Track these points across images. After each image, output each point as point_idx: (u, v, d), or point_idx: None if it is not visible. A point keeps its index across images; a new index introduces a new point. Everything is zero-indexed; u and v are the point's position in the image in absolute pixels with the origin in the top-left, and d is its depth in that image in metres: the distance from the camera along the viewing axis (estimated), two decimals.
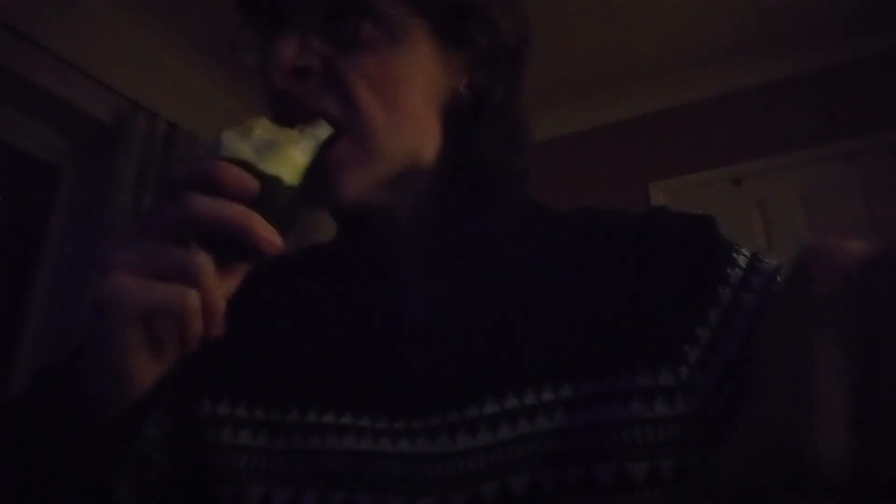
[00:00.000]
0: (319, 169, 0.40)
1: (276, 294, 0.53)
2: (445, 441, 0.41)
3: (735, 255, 0.44)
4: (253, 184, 0.35)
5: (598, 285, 0.45)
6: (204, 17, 2.41)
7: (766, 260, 0.45)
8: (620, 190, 2.76)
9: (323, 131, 0.41)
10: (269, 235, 0.34)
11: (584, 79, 2.78)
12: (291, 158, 0.38)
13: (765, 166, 2.55)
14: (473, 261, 0.47)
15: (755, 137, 2.57)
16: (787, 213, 2.50)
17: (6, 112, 2.13)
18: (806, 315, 0.20)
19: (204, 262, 0.33)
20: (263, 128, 0.38)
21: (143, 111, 2.29)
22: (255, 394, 0.46)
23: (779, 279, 0.42)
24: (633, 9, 2.38)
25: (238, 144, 0.36)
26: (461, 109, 0.48)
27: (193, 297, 0.32)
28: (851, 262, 0.20)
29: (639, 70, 2.73)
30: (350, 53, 0.42)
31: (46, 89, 2.08)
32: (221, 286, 0.35)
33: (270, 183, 0.36)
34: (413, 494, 0.40)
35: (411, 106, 0.44)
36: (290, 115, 0.41)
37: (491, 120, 0.48)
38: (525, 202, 0.52)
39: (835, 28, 2.47)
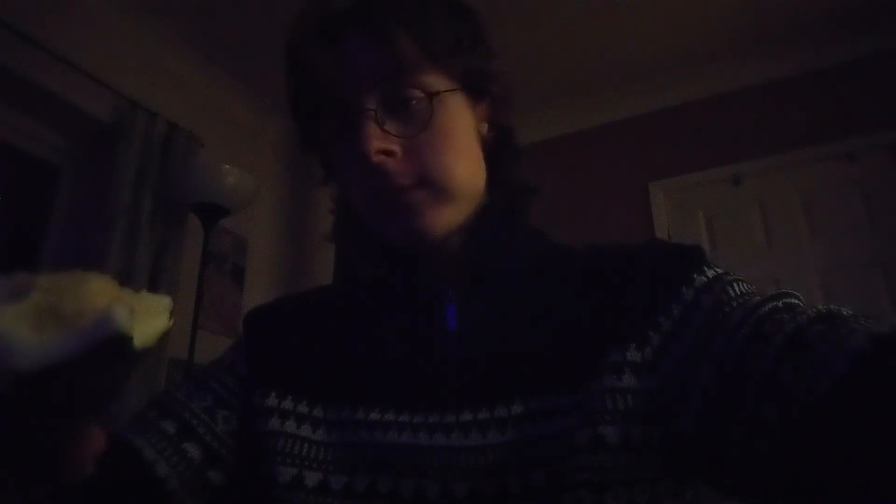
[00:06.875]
0: (402, 211, 0.50)
1: (332, 312, 0.61)
2: (476, 436, 0.47)
3: (706, 267, 0.50)
4: None
5: (591, 302, 0.51)
6: (204, 18, 2.41)
7: (735, 276, 0.49)
8: (620, 190, 2.76)
9: None
10: None
11: (585, 79, 2.78)
12: None
13: (765, 166, 2.56)
14: (498, 285, 0.55)
15: (755, 137, 2.57)
16: (786, 212, 2.50)
17: (6, 112, 2.13)
18: None
19: None
20: None
21: (142, 111, 2.29)
22: (314, 395, 0.54)
23: (738, 286, 0.47)
24: (632, 9, 2.38)
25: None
26: (486, 147, 0.59)
27: None
28: None
29: (639, 70, 2.73)
30: (416, 131, 0.52)
31: (46, 89, 2.08)
32: None
33: None
34: (448, 481, 0.46)
35: (467, 151, 0.55)
36: (384, 183, 0.50)
37: (510, 149, 0.60)
38: (544, 241, 0.61)
39: (834, 28, 2.47)
